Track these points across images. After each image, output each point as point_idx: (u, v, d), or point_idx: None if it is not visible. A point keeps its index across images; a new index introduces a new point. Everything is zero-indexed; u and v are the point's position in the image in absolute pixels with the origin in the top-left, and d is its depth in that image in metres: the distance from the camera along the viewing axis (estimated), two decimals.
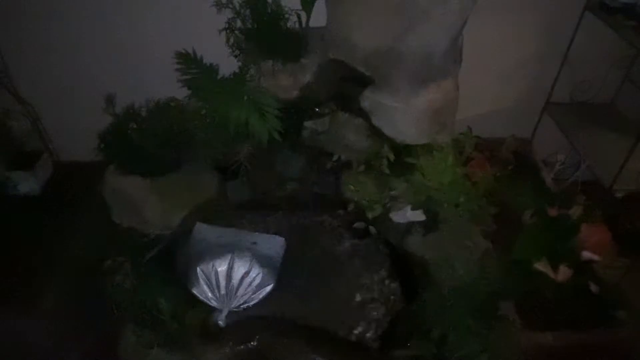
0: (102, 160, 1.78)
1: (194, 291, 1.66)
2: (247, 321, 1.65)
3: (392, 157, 1.81)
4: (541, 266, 1.83)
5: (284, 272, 1.76)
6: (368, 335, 1.66)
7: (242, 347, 1.58)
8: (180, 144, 1.76)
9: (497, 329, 1.59)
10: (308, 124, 1.90)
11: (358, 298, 1.76)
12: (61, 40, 2.07)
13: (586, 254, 1.88)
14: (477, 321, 1.57)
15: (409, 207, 1.84)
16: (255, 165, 1.86)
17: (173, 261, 1.78)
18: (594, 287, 1.84)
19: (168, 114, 1.77)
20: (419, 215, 1.84)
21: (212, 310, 1.66)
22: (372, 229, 1.95)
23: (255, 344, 1.58)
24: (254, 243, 1.78)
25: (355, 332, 1.67)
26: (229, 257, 1.67)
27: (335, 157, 1.90)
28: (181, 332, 1.58)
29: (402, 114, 1.75)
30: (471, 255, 1.75)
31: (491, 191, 1.85)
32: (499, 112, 2.44)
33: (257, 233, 1.86)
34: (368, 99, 1.79)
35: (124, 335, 1.58)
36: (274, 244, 1.83)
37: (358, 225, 1.97)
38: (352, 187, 1.86)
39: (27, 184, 2.20)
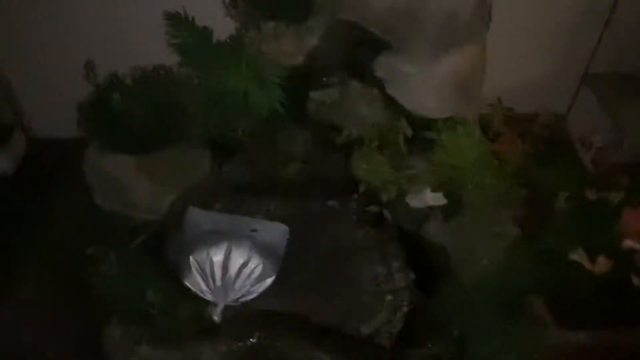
0: (83, 137, 1.71)
1: (186, 282, 1.58)
2: (245, 316, 1.57)
3: (409, 132, 1.70)
4: (577, 256, 1.76)
5: (286, 263, 1.68)
6: (380, 331, 1.58)
7: (240, 344, 1.51)
8: (170, 118, 1.68)
9: (525, 327, 1.53)
10: (315, 95, 1.79)
11: (369, 291, 1.67)
12: (37, 2, 1.94)
13: (628, 243, 1.79)
14: (503, 318, 1.52)
15: (428, 189, 1.74)
16: (255, 142, 1.80)
17: (163, 249, 1.71)
18: (636, 280, 1.76)
19: (156, 83, 1.70)
20: (439, 199, 1.74)
21: (206, 303, 1.57)
22: (386, 213, 1.85)
23: (254, 340, 1.51)
24: (254, 230, 1.70)
25: (366, 328, 1.59)
26: (225, 245, 1.58)
27: (345, 133, 1.78)
28: (172, 328, 1.52)
29: (422, 82, 1.63)
30: (498, 244, 1.67)
31: (522, 172, 1.76)
32: (532, 83, 2.31)
33: (257, 219, 1.78)
34: (383, 66, 1.66)
35: (108, 330, 1.52)
36: (275, 232, 1.74)
37: (371, 209, 1.86)
38: (364, 167, 1.75)
39: None
